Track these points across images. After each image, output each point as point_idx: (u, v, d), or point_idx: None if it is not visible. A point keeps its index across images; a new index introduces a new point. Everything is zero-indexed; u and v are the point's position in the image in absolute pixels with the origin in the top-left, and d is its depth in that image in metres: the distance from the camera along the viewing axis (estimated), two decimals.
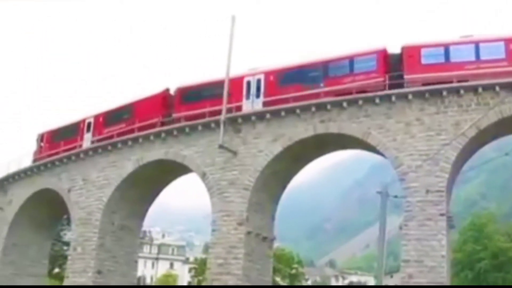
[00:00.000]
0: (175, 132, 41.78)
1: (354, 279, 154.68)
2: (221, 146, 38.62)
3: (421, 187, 32.47)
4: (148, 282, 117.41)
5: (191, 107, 42.55)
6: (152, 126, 43.89)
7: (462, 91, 33.18)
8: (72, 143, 49.09)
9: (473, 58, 34.76)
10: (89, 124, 48.98)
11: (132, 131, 44.77)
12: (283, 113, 37.76)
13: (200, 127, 40.75)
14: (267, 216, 39.92)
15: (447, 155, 32.51)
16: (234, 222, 37.55)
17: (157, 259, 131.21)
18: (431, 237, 31.44)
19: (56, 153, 49.81)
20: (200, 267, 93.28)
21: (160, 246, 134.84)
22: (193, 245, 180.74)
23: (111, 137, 45.98)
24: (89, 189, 45.52)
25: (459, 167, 34.71)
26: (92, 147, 46.18)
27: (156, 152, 42.84)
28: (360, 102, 35.52)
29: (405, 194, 32.98)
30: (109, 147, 45.16)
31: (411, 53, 36.19)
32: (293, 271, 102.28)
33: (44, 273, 54.94)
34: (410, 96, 34.29)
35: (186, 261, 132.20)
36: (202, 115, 41.21)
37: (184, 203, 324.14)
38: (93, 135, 48.18)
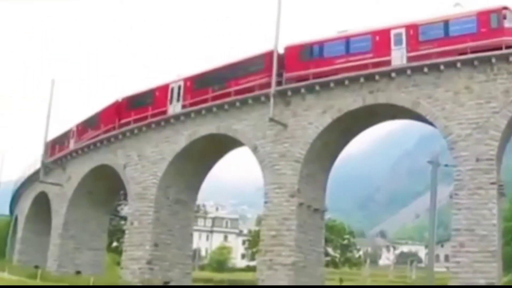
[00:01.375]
0: (226, 107, 42.22)
1: (405, 249, 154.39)
2: (271, 119, 38.93)
3: (471, 156, 32.25)
4: (203, 254, 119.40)
5: (131, 114, 48.85)
6: (108, 131, 50.70)
7: (511, 58, 32.71)
8: (64, 149, 57.69)
9: (343, 53, 37.91)
10: (73, 132, 57.81)
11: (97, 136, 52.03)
12: (332, 85, 37.83)
13: (250, 101, 41.12)
14: (318, 187, 40.21)
15: (496, 123, 32.20)
16: (286, 194, 37.96)
17: (211, 231, 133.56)
18: (482, 206, 31.28)
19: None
20: (253, 239, 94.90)
21: (214, 219, 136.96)
22: (246, 218, 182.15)
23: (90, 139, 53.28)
24: (144, 164, 46.57)
25: (509, 134, 34.21)
26: (146, 123, 47.08)
27: (208, 127, 43.49)
28: (409, 71, 35.31)
29: (455, 163, 32.84)
30: (162, 123, 46.00)
31: (292, 52, 39.97)
32: (345, 242, 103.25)
33: (103, 247, 56.93)
34: (458, 64, 33.83)
35: (239, 233, 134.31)
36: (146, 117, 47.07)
37: (235, 176, 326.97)
38: (75, 140, 56.47)
